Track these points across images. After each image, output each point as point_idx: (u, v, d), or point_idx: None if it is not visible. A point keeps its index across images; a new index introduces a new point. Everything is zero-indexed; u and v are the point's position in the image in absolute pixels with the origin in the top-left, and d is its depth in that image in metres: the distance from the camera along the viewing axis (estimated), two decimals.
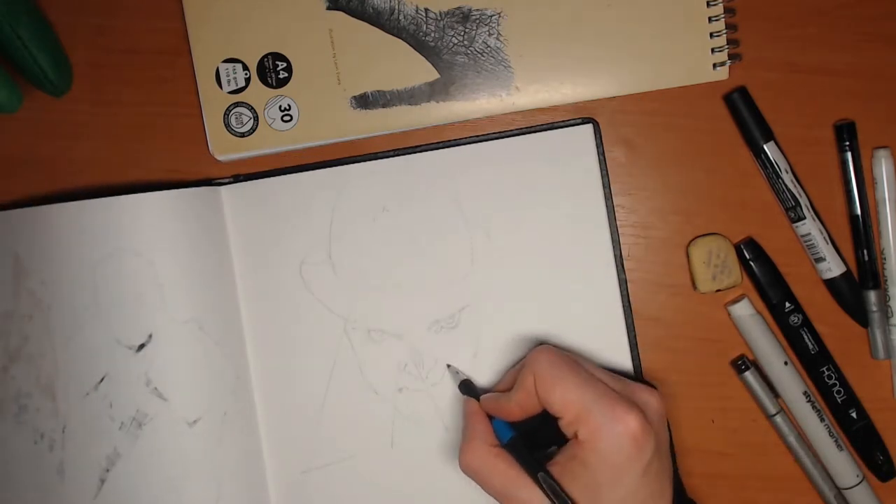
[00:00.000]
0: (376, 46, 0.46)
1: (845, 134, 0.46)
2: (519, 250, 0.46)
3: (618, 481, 0.38)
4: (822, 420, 0.47)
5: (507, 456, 0.40)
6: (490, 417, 0.43)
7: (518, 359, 0.46)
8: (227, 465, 0.45)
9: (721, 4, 0.45)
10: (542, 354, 0.41)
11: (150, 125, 0.48)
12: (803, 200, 0.46)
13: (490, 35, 0.46)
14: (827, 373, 0.47)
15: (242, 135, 0.47)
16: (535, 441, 0.41)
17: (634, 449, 0.38)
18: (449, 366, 0.47)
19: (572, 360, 0.41)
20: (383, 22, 0.46)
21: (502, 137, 0.47)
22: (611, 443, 0.38)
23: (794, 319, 0.47)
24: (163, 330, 0.44)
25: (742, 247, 0.47)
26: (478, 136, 0.47)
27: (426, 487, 0.47)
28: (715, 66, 0.46)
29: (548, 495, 0.38)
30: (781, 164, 0.46)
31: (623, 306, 0.46)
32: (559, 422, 0.40)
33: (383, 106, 0.46)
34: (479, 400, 0.44)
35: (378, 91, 0.46)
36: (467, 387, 0.45)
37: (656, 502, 0.39)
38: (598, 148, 0.46)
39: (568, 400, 0.39)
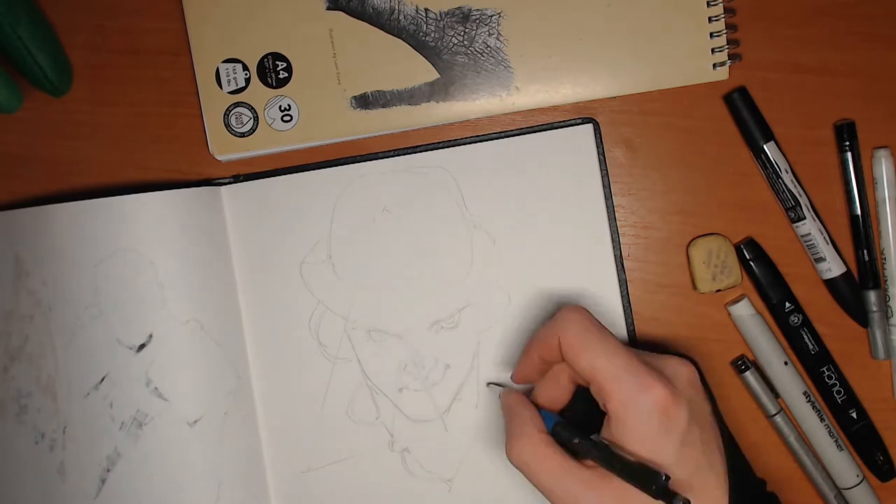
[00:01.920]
0: (376, 46, 0.46)
1: (845, 134, 0.46)
2: (519, 250, 0.46)
3: (656, 455, 0.35)
4: (822, 420, 0.47)
5: (557, 448, 0.38)
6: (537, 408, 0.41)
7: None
8: (227, 465, 0.45)
9: (721, 4, 0.45)
10: (572, 314, 0.38)
11: (150, 125, 0.48)
12: (803, 200, 0.46)
13: (490, 35, 0.46)
14: (827, 373, 0.47)
15: (242, 135, 0.47)
16: (582, 428, 0.39)
17: (665, 419, 0.35)
18: (489, 383, 0.46)
19: (603, 326, 0.39)
20: (383, 22, 0.46)
21: (502, 137, 0.47)
22: (640, 416, 0.36)
23: (794, 319, 0.47)
24: (163, 330, 0.44)
25: (742, 247, 0.47)
26: (478, 136, 0.47)
27: (426, 487, 0.47)
28: (715, 66, 0.46)
29: (606, 467, 0.36)
30: (781, 164, 0.46)
31: (623, 306, 0.46)
32: (590, 387, 0.38)
33: (383, 106, 0.46)
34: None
35: (378, 91, 0.46)
36: (498, 384, 0.45)
37: (705, 476, 0.36)
38: (598, 148, 0.46)
39: (596, 367, 0.37)
